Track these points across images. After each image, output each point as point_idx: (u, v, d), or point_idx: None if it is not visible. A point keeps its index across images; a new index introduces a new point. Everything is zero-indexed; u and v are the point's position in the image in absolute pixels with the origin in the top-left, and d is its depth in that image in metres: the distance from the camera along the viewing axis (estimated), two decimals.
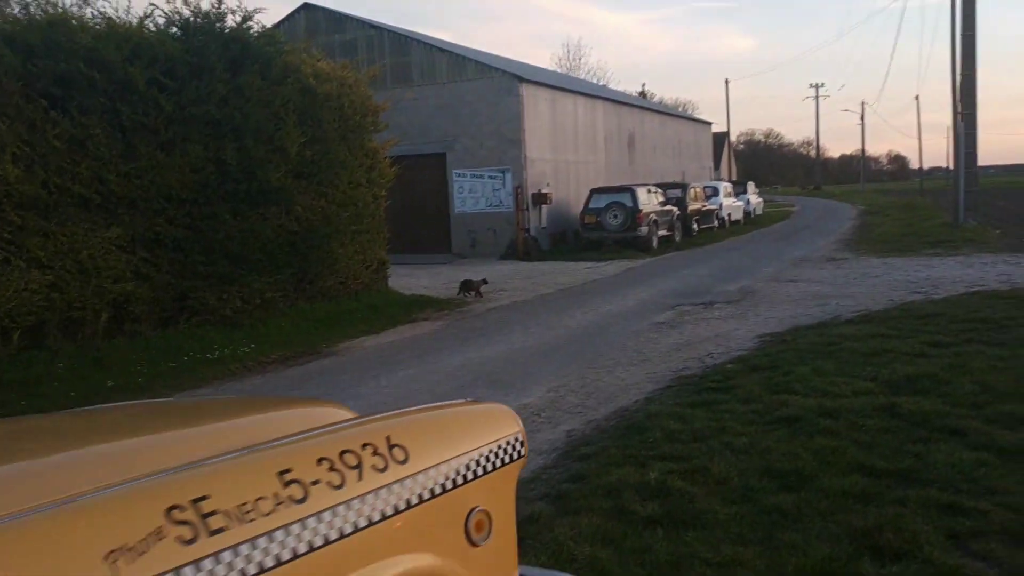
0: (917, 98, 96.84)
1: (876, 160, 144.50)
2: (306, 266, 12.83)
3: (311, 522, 1.30)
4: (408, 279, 18.10)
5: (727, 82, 60.62)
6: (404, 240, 23.44)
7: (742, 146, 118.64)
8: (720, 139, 59.43)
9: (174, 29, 11.56)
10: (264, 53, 12.17)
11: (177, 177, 10.87)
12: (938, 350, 7.73)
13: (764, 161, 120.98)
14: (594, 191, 23.94)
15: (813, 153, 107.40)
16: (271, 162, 11.91)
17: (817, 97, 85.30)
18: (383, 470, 1.49)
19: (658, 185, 26.32)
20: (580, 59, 72.70)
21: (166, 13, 11.64)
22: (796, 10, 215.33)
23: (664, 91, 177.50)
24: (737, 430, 5.61)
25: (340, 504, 1.37)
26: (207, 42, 11.42)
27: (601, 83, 59.93)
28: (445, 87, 24.04)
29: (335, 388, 8.48)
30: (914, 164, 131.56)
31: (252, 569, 1.18)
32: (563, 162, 25.70)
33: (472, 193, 24.04)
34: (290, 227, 12.45)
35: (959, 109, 24.09)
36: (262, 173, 11.73)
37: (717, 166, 55.54)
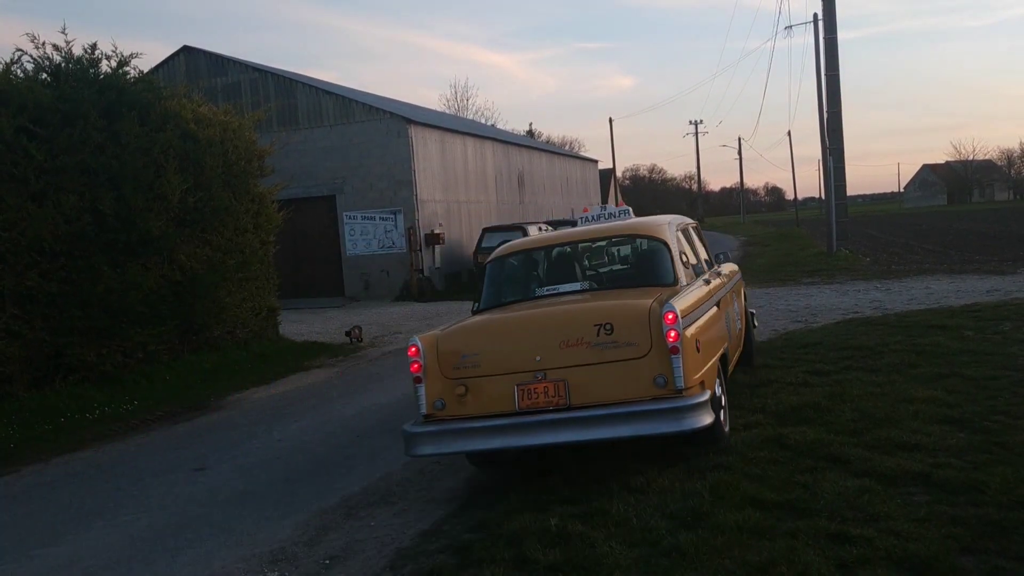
0: (789, 133, 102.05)
1: (755, 192, 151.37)
2: (191, 316, 12.48)
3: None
4: (300, 325, 17.75)
5: (611, 120, 62.53)
6: (295, 284, 22.99)
7: (628, 181, 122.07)
8: (606, 175, 61.07)
9: (44, 75, 11.14)
10: (142, 99, 11.85)
11: (50, 229, 10.39)
12: (820, 378, 7.98)
13: (649, 195, 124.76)
14: (486, 230, 24.11)
15: (695, 187, 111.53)
16: (151, 210, 11.58)
17: (697, 133, 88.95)
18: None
19: (548, 222, 26.72)
20: (468, 99, 73.50)
21: (35, 59, 11.19)
22: (673, 51, 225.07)
23: (551, 129, 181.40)
24: (633, 468, 5.67)
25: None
26: (80, 88, 11.04)
27: (490, 123, 60.69)
28: (333, 129, 23.87)
29: (225, 445, 8.20)
30: (789, 195, 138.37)
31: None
32: (455, 202, 25.80)
33: (364, 235, 23.85)
34: (173, 277, 12.10)
35: (827, 144, 25.46)
36: (142, 222, 11.39)
37: (604, 201, 56.97)
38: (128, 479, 7.27)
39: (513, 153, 31.34)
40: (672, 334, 5.21)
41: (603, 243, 7.43)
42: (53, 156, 10.54)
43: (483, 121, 59.81)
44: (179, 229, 12.21)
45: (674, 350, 5.20)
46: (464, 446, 5.50)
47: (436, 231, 23.96)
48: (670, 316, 5.22)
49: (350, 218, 23.88)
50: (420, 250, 23.34)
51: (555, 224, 26.72)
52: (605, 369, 5.30)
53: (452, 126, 27.89)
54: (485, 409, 5.46)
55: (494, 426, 5.35)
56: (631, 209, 7.71)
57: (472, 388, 5.51)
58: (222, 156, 13.21)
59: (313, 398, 10.32)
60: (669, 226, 6.82)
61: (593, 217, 7.74)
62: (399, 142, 23.26)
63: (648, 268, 6.51)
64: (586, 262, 7.28)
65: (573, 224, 26.02)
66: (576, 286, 6.55)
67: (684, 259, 6.61)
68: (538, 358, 5.39)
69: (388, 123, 23.43)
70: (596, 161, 45.97)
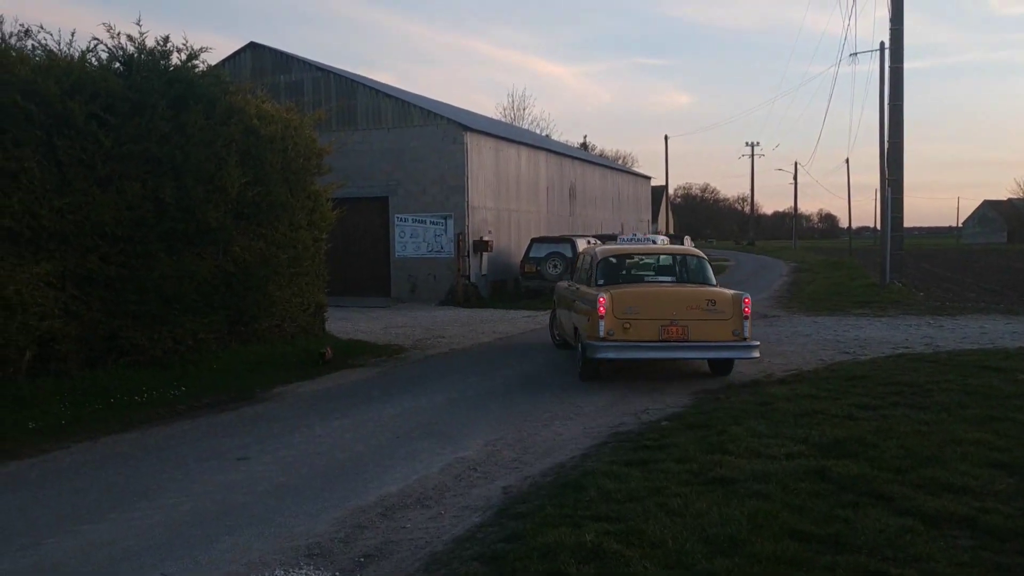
0: (847, 160, 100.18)
1: (807, 218, 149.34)
2: (242, 308, 12.65)
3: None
4: (346, 323, 17.95)
5: (666, 138, 61.68)
6: (343, 283, 23.21)
7: (679, 199, 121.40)
8: (658, 192, 60.64)
9: (117, 65, 11.41)
10: (208, 92, 12.08)
11: (112, 214, 10.63)
12: (866, 412, 7.88)
13: (700, 215, 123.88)
14: (535, 240, 24.14)
15: (748, 209, 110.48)
16: (210, 202, 11.76)
17: (752, 155, 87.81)
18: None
19: (597, 236, 26.63)
20: (524, 109, 73.75)
21: (109, 48, 11.47)
22: (733, 70, 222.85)
23: (605, 143, 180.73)
24: (672, 491, 5.63)
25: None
26: (150, 79, 11.29)
27: (544, 133, 60.82)
28: (390, 132, 24.11)
29: (267, 436, 8.31)
30: (843, 223, 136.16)
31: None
32: (505, 211, 25.92)
33: (414, 238, 24.03)
34: (227, 268, 12.26)
35: (887, 175, 25.03)
36: (201, 213, 11.57)
37: (655, 219, 56.63)
38: (172, 463, 7.40)
39: (566, 165, 31.43)
40: (747, 309, 10.49)
41: (667, 257, 12.70)
42: (120, 144, 10.76)
43: (538, 131, 60.02)
44: (236, 221, 12.37)
45: (746, 317, 10.46)
46: (630, 355, 10.54)
47: (485, 238, 24.05)
48: (747, 300, 10.56)
49: (401, 220, 24.08)
50: (468, 256, 23.45)
51: (603, 239, 26.71)
52: (708, 323, 10.41)
53: (507, 135, 27.99)
54: (640, 337, 10.41)
55: (648, 345, 10.40)
56: (660, 238, 13.54)
57: (633, 326, 10.41)
58: (282, 152, 13.38)
59: (355, 396, 10.41)
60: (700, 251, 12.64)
61: (630, 239, 14.62)
62: (454, 148, 23.42)
63: (701, 273, 11.91)
64: (660, 265, 12.65)
65: (613, 239, 25.61)
66: (668, 278, 12.01)
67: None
68: (674, 313, 10.43)
69: (445, 129, 23.61)
70: (649, 178, 45.72)
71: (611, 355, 10.49)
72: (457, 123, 23.74)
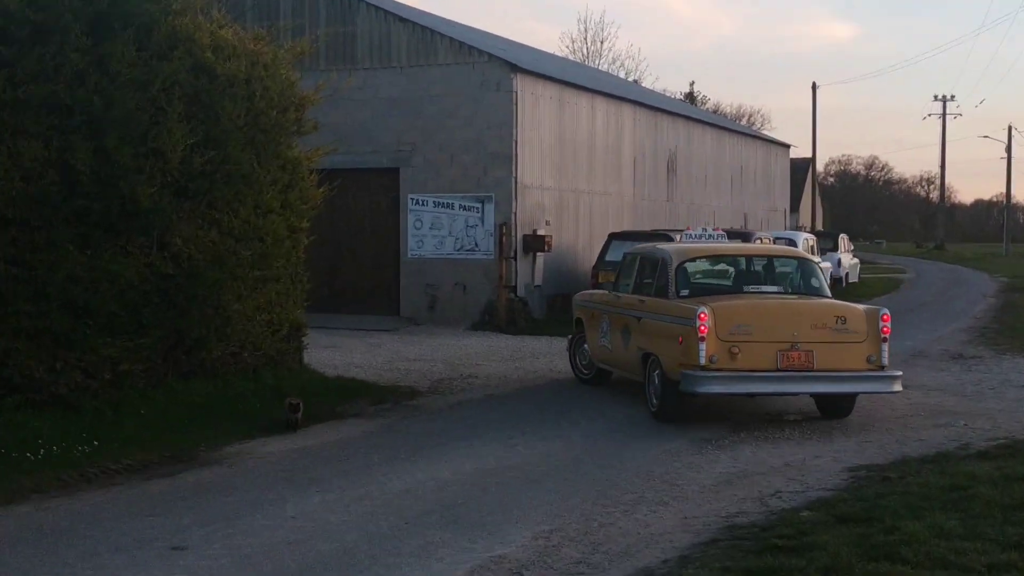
0: None
1: None
2: (184, 327, 12.80)
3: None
4: (334, 352, 18.10)
5: (814, 87, 60.65)
6: (332, 293, 23.35)
7: (832, 180, 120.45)
8: (801, 169, 60.03)
9: None
10: (142, 12, 12.25)
11: (0, 186, 10.86)
12: None
13: (863, 203, 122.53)
14: (614, 237, 24.11)
15: (935, 196, 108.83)
16: (142, 171, 11.91)
17: (944, 116, 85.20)
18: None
19: (727, 233, 26.44)
20: (602, 43, 72.80)
21: None
22: None
23: (722, 95, 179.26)
24: None
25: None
26: None
27: (632, 79, 60.85)
28: (404, 73, 24.35)
29: (216, 516, 8.38)
30: None
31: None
32: (571, 192, 26.03)
33: (435, 229, 24.13)
34: (163, 268, 12.42)
35: None
36: (128, 187, 11.72)
37: (795, 207, 55.96)
38: (78, 553, 7.47)
39: (664, 125, 31.32)
40: (887, 328, 11.77)
41: (763, 260, 13.82)
42: (14, 85, 10.97)
43: (622, 75, 60.01)
44: (177, 201, 12.51)
45: (885, 338, 11.76)
46: (741, 388, 11.93)
47: (540, 232, 24.10)
48: (886, 316, 11.86)
49: (418, 204, 24.23)
50: (515, 258, 23.48)
51: (731, 236, 26.65)
52: (837, 347, 11.69)
53: (576, 79, 28.02)
54: (752, 366, 11.58)
55: (763, 376, 11.63)
56: (726, 235, 15.12)
57: (743, 350, 11.55)
58: (246, 101, 13.48)
59: (346, 460, 10.43)
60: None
61: (698, 236, 15.96)
62: (498, 98, 23.57)
63: (812, 282, 13.23)
64: (754, 270, 13.58)
65: (745, 239, 26.52)
66: (772, 288, 13.09)
67: None
68: (796, 333, 11.61)
69: (484, 69, 23.77)
70: (788, 146, 45.47)
71: (717, 389, 11.73)
72: (502, 61, 23.91)
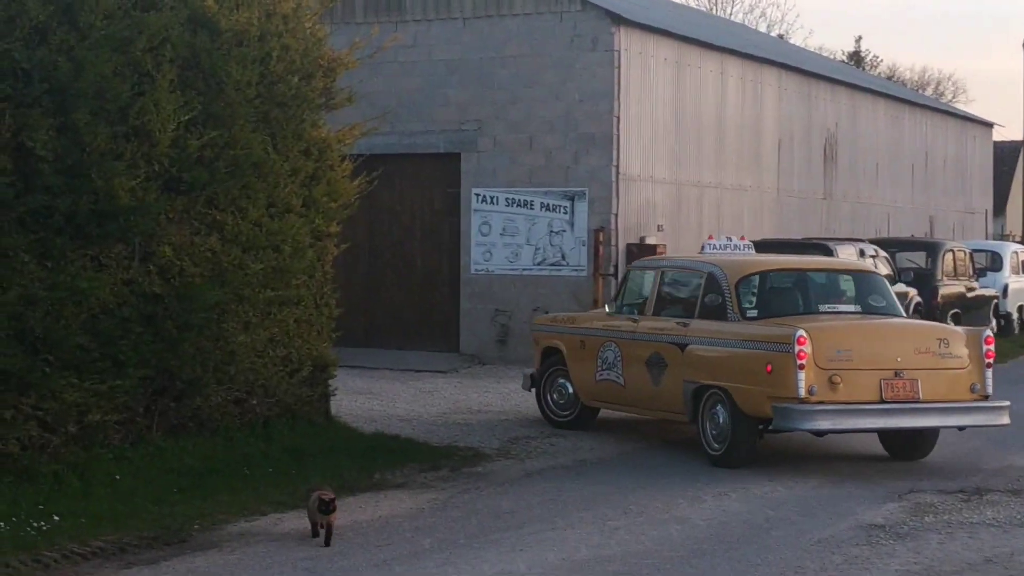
0: None
1: None
2: (174, 364, 12.84)
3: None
4: (372, 400, 18.14)
5: None
6: (369, 320, 23.44)
7: None
8: (1008, 156, 58.63)
9: None
10: None
11: None
12: None
13: None
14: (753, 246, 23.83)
15: None
16: (121, 157, 11.96)
17: None
18: None
19: (879, 242, 26.35)
20: None
21: None
22: None
23: (899, 55, 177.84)
24: None
25: None
26: None
27: (776, 34, 60.52)
28: (468, 27, 24.42)
29: None
30: None
31: None
32: (691, 186, 25.95)
33: (508, 236, 24.07)
34: (147, 286, 12.48)
35: None
36: (102, 178, 11.75)
37: (1000, 209, 55.04)
38: None
39: (820, 95, 31.31)
40: (991, 353, 13.55)
41: (834, 275, 15.89)
42: None
43: (763, 30, 59.79)
44: (167, 197, 12.56)
45: (988, 364, 13.46)
46: (849, 424, 13.36)
47: (650, 240, 23.95)
48: (989, 338, 13.64)
49: (484, 201, 24.19)
50: (615, 275, 23.26)
51: (893, 247, 26.19)
52: (941, 375, 13.31)
53: (701, 35, 27.99)
54: (854, 397, 13.06)
55: (868, 409, 13.11)
56: (751, 243, 17.93)
57: (844, 379, 12.94)
58: (259, 65, 13.55)
59: (386, 547, 10.38)
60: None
61: (723, 247, 16.87)
62: (594, 60, 23.51)
63: (885, 299, 15.07)
64: (817, 285, 15.30)
65: (933, 251, 27.42)
66: (848, 307, 15.01)
67: None
68: (899, 359, 13.17)
69: (576, 21, 23.68)
70: (990, 125, 44.86)
71: (824, 424, 13.26)
72: (601, 10, 23.85)
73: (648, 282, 15.71)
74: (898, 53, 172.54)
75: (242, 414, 13.86)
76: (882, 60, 79.58)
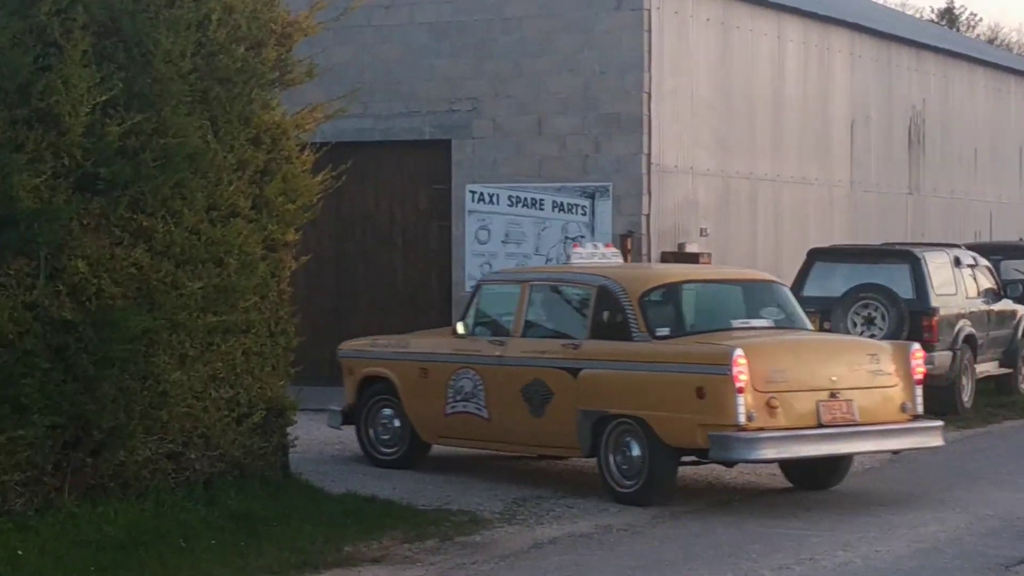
0: None
1: None
2: (91, 409, 12.85)
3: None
4: (341, 451, 18.31)
5: None
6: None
7: None
8: None
9: None
10: None
11: None
12: None
13: None
14: (819, 256, 24.32)
15: None
16: (22, 148, 12.10)
17: None
18: None
19: (979, 248, 26.41)
20: None
21: None
22: None
23: (1004, 13, 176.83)
24: None
25: None
26: None
27: None
28: None
29: None
30: None
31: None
32: (742, 179, 26.19)
33: (512, 244, 24.23)
34: (56, 311, 12.56)
35: None
36: None
37: None
38: None
39: (903, 64, 31.49)
40: (920, 368, 15.38)
41: (741, 286, 17.31)
42: None
43: None
44: (80, 198, 12.69)
45: (918, 380, 15.24)
46: (791, 452, 14.56)
47: (692, 247, 24.25)
48: (917, 352, 15.58)
49: (482, 199, 24.39)
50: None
51: (996, 254, 26.23)
52: (874, 393, 14.95)
53: None
54: (793, 422, 14.27)
55: (807, 434, 14.37)
56: (619, 252, 18.29)
57: (782, 402, 14.16)
58: (194, 31, 13.64)
59: None
60: None
61: (587, 255, 17.47)
62: (619, 21, 23.76)
63: (795, 311, 16.66)
64: (742, 301, 16.84)
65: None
66: (764, 322, 16.22)
67: None
68: (834, 377, 14.63)
69: None
70: None
71: (769, 453, 14.56)
72: None
73: (508, 299, 16.38)
74: (1002, 10, 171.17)
75: (177, 471, 13.87)
76: (981, 19, 79.32)
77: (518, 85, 24.10)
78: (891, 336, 21.69)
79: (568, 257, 18.66)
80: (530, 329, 16.10)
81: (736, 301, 16.64)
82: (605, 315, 15.41)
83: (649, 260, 23.46)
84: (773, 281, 17.46)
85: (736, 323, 15.81)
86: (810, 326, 16.69)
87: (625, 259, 23.18)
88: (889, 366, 14.88)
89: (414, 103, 24.56)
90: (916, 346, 15.18)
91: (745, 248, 25.84)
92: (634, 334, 14.84)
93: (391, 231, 24.96)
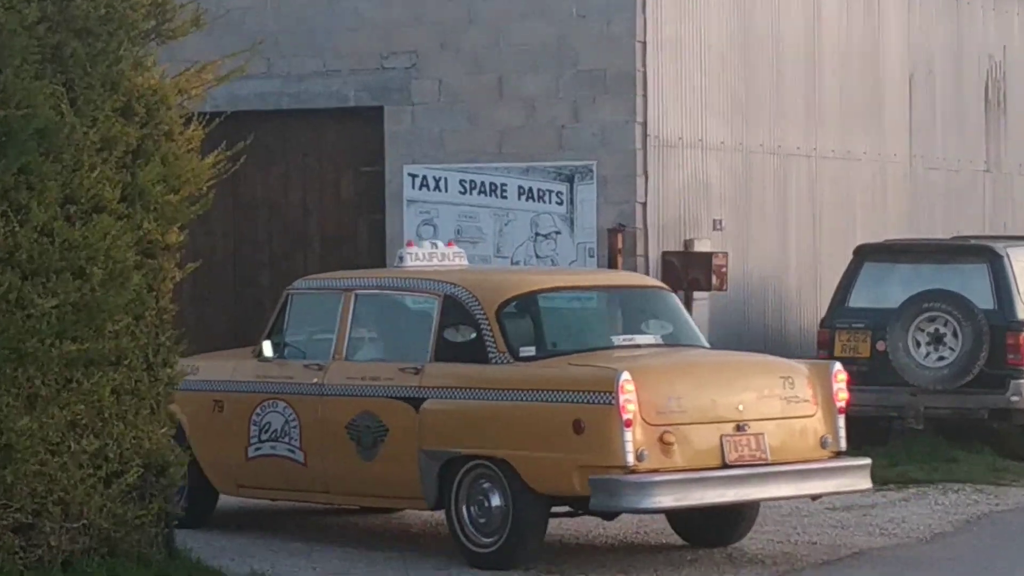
0: None
1: None
2: None
3: None
4: (246, 519, 18.19)
5: None
6: None
7: None
8: None
9: None
10: None
11: None
12: None
13: None
14: (868, 255, 24.38)
15: None
16: None
17: None
18: None
19: None
20: None
21: None
22: None
23: None
24: None
25: None
26: None
27: None
28: None
29: None
30: None
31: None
32: (767, 154, 26.15)
33: (466, 243, 23.88)
34: None
35: None
36: None
37: None
38: None
39: (975, 2, 31.45)
40: (844, 395, 15.84)
41: (621, 294, 17.58)
42: None
43: None
44: None
45: (842, 410, 15.71)
46: (696, 499, 14.66)
47: (700, 246, 24.21)
48: (840, 373, 15.96)
49: (424, 185, 24.34)
50: None
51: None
52: (787, 425, 15.20)
53: None
54: (692, 462, 14.47)
55: (709, 477, 14.54)
56: (464, 252, 18.46)
57: (679, 437, 14.32)
58: None
59: None
60: None
61: (424, 256, 17.59)
62: None
63: (686, 325, 17.10)
64: (624, 314, 17.26)
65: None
66: (650, 338, 16.42)
67: None
68: (740, 407, 14.80)
69: None
70: None
71: (666, 501, 14.61)
72: None
73: (329, 312, 16.11)
74: None
75: (27, 549, 13.59)
76: None
77: (471, 35, 24.03)
78: (967, 359, 21.90)
79: (400, 258, 18.50)
80: (357, 350, 15.88)
81: (617, 313, 16.82)
82: (454, 331, 15.19)
83: (647, 262, 23.31)
84: (660, 288, 17.66)
85: (618, 340, 15.95)
86: (706, 342, 16.78)
87: (613, 262, 23.11)
88: (806, 391, 14.99)
89: (334, 59, 24.49)
90: (838, 366, 15.31)
91: (772, 245, 25.74)
92: (491, 355, 14.67)
93: (305, 228, 24.81)
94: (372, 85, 24.41)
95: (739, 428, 14.24)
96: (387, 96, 24.36)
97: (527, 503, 14.04)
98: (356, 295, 16.02)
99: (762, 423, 14.41)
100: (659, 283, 18.10)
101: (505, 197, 23.93)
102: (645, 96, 23.48)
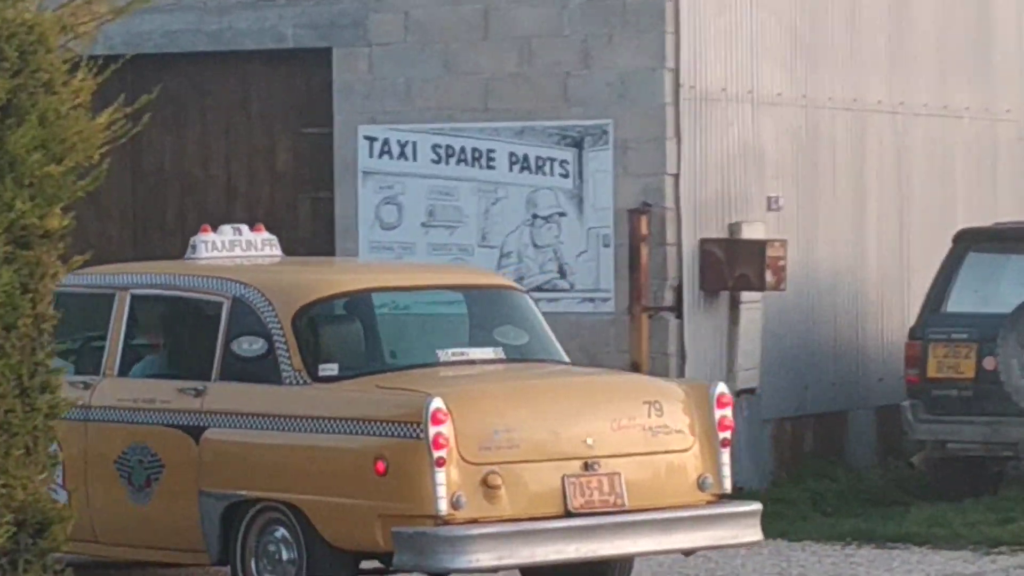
0: None
1: None
2: None
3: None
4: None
5: None
6: None
7: None
8: None
9: None
10: None
11: None
12: None
13: None
14: (974, 240, 24.52)
15: None
16: None
17: None
18: None
19: None
20: None
21: None
22: None
23: None
24: None
25: None
26: None
27: None
28: None
29: None
30: None
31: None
32: (838, 110, 26.32)
33: (441, 227, 24.24)
34: None
35: None
36: None
37: None
38: None
39: None
40: (727, 423, 16.41)
41: (458, 296, 18.13)
42: None
43: None
44: None
45: (725, 442, 16.34)
46: (525, 557, 14.90)
47: (751, 231, 24.17)
48: (724, 396, 16.56)
49: (385, 152, 24.43)
50: (675, 309, 23.48)
51: None
52: (652, 462, 15.88)
53: None
54: (524, 509, 14.87)
55: (547, 528, 14.93)
56: (276, 240, 18.64)
57: (507, 478, 14.73)
58: None
59: None
60: None
61: (224, 246, 17.86)
62: None
63: (540, 335, 17.73)
64: (455, 322, 18.03)
65: None
66: (488, 352, 16.92)
67: None
68: (588, 439, 15.32)
69: None
70: None
71: (486, 559, 14.72)
72: None
73: (97, 316, 16.05)
74: None
75: None
76: None
77: None
78: None
79: (192, 248, 18.66)
80: (132, 364, 15.84)
81: (454, 320, 17.23)
82: (243, 343, 15.22)
83: (679, 252, 23.37)
84: (512, 288, 17.89)
85: (445, 355, 16.13)
86: (564, 357, 17.09)
87: (637, 250, 23.16)
88: (679, 419, 15.27)
89: None
90: (721, 387, 15.63)
91: (845, 231, 25.83)
92: (284, 374, 14.75)
93: (229, 209, 24.79)
94: (317, 20, 24.53)
95: (587, 467, 14.51)
96: (336, 35, 24.50)
97: (324, 559, 14.14)
98: (132, 295, 16.08)
99: (618, 460, 14.69)
100: (510, 282, 18.54)
101: (493, 167, 24.05)
102: (677, 33, 23.52)
